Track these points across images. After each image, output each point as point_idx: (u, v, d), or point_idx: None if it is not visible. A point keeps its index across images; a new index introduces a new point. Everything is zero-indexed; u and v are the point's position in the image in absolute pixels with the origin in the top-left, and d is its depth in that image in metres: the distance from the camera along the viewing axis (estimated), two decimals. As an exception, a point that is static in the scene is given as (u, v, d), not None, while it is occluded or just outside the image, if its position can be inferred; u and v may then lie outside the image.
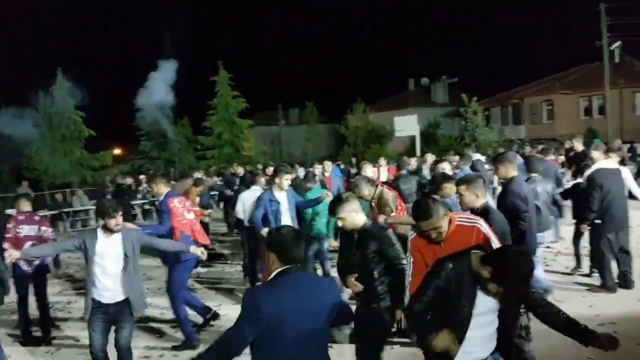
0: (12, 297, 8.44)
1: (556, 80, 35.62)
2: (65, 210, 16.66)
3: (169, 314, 7.06)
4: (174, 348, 5.75)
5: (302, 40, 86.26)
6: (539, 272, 6.13)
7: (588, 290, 6.65)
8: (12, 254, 4.47)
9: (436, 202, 3.34)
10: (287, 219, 6.72)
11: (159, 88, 18.15)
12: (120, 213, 4.49)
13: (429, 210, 3.22)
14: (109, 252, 4.49)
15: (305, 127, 41.75)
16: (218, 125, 30.13)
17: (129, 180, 12.37)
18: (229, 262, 9.93)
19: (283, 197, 6.84)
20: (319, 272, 7.25)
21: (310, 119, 40.92)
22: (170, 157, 29.87)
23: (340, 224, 3.94)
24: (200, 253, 5.09)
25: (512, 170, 5.14)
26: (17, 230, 6.04)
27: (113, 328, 4.66)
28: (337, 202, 3.98)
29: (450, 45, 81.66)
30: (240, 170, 14.19)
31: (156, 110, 30.05)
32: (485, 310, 2.85)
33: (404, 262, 3.67)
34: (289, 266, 2.77)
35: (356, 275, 3.81)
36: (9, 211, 16.44)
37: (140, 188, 17.15)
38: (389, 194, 5.93)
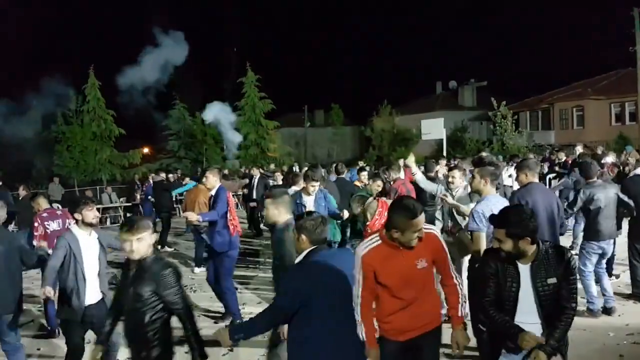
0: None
1: (587, 86, 34.97)
2: (96, 207, 16.98)
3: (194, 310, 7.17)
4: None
5: (329, 42, 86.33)
6: (597, 287, 6.09)
7: (618, 299, 6.54)
8: (48, 293, 4.34)
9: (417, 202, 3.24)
10: None
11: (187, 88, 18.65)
12: (93, 207, 4.48)
13: (418, 207, 3.05)
14: (91, 251, 4.46)
15: (330, 129, 41.81)
16: (245, 126, 30.33)
17: (163, 176, 12.62)
18: (253, 263, 10.02)
19: (310, 201, 6.85)
20: None
21: (335, 120, 40.95)
22: (198, 156, 30.20)
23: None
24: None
25: (530, 177, 5.11)
26: (46, 226, 6.14)
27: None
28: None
29: (479, 48, 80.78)
30: (256, 172, 13.95)
31: (185, 110, 30.64)
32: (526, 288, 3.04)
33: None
34: (317, 246, 3.14)
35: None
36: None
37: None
38: (373, 204, 4.93)
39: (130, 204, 17.62)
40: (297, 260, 3.21)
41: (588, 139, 31.99)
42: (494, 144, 29.57)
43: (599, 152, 12.55)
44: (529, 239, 2.98)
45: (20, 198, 10.29)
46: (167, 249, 11.56)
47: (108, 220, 17.64)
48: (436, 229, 3.44)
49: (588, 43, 69.63)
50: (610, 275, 6.93)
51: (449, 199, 5.68)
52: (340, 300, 3.05)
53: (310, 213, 3.37)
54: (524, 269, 3.05)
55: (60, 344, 6.08)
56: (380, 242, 3.11)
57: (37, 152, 28.51)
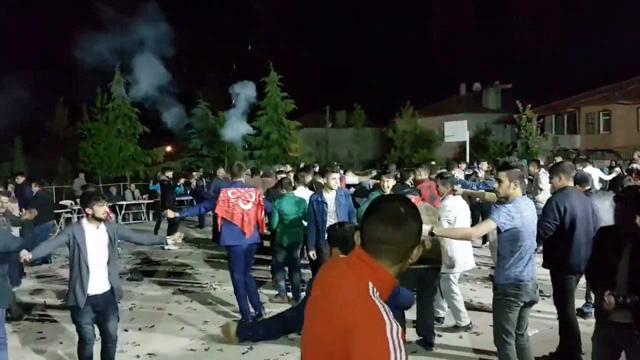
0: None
1: (615, 90, 34.29)
2: (119, 203, 17.18)
3: (215, 308, 7.17)
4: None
5: (351, 42, 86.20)
6: None
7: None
8: (24, 255, 4.59)
9: None
10: (332, 221, 6.37)
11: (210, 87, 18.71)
12: (104, 203, 4.60)
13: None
14: (98, 243, 4.57)
15: (352, 129, 41.66)
16: (266, 126, 30.42)
17: (169, 175, 12.50)
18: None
19: (331, 198, 6.68)
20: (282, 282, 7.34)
21: (357, 121, 40.79)
22: (220, 155, 30.38)
23: None
24: (178, 242, 5.34)
25: (565, 181, 5.01)
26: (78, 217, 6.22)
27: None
28: None
29: (504, 50, 79.85)
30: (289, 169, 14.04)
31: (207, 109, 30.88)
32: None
33: None
34: None
35: None
36: (64, 202, 17.04)
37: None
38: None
39: (152, 201, 17.77)
40: None
41: (614, 144, 31.38)
42: (518, 148, 29.12)
43: (636, 156, 12.24)
44: None
45: (33, 194, 10.44)
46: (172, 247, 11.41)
47: (130, 216, 17.81)
48: None
49: (616, 46, 68.32)
50: None
51: (460, 190, 5.89)
52: None
53: (342, 224, 3.24)
54: None
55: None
56: None
57: (63, 149, 29.03)
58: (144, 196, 18.73)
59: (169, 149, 31.78)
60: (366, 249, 1.67)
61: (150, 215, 17.68)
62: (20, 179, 11.59)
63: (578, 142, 34.34)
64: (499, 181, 4.31)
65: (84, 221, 4.62)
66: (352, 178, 11.23)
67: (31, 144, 32.18)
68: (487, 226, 4.23)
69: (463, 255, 5.88)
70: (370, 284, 1.58)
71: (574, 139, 34.71)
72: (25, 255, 4.60)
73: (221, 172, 12.79)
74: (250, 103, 20.72)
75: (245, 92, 19.98)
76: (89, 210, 4.56)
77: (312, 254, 6.69)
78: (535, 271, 4.20)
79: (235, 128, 21.27)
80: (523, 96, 30.84)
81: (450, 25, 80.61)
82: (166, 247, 5.34)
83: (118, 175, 25.29)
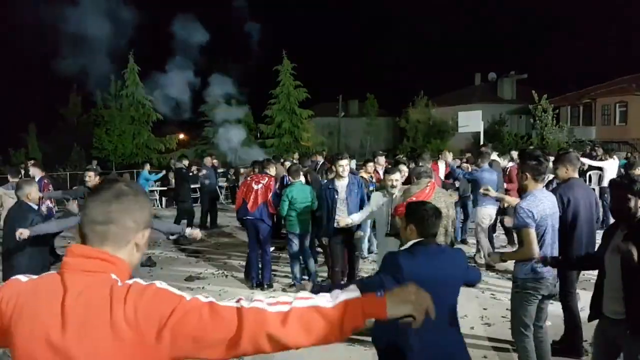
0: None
1: (632, 81, 33.75)
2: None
3: (227, 294, 7.21)
4: None
5: (365, 31, 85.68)
6: None
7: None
8: (22, 232, 4.56)
9: None
10: (342, 209, 6.46)
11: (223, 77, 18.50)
12: None
13: None
14: None
15: (364, 119, 41.49)
16: (279, 115, 30.40)
17: (185, 163, 12.50)
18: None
19: (342, 186, 6.57)
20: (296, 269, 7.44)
21: (370, 111, 40.62)
22: (231, 143, 30.47)
23: None
24: (196, 234, 5.42)
25: (571, 172, 4.94)
26: None
27: None
28: None
29: (520, 40, 78.93)
30: (319, 158, 13.84)
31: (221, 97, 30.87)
32: None
33: None
34: (425, 238, 3.05)
35: None
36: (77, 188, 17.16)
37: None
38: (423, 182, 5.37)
39: (165, 188, 17.87)
40: (403, 247, 3.13)
41: (630, 136, 30.98)
42: (533, 139, 28.84)
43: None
44: None
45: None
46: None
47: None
48: None
49: (633, 37, 67.23)
50: None
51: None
52: (440, 299, 2.74)
53: (424, 203, 3.29)
54: None
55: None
56: None
57: (77, 135, 29.20)
58: (156, 183, 18.82)
59: (181, 136, 31.87)
60: None
61: (164, 202, 17.77)
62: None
63: (593, 133, 33.94)
64: (519, 173, 4.28)
65: None
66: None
67: (45, 131, 32.46)
68: (528, 238, 4.01)
69: None
70: None
71: (589, 131, 34.30)
72: (19, 233, 4.57)
73: (208, 160, 13.26)
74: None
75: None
76: None
77: (324, 240, 6.73)
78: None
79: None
80: (538, 87, 30.51)
81: (466, 15, 79.79)
82: (186, 233, 5.38)
83: (131, 162, 25.45)
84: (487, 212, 8.09)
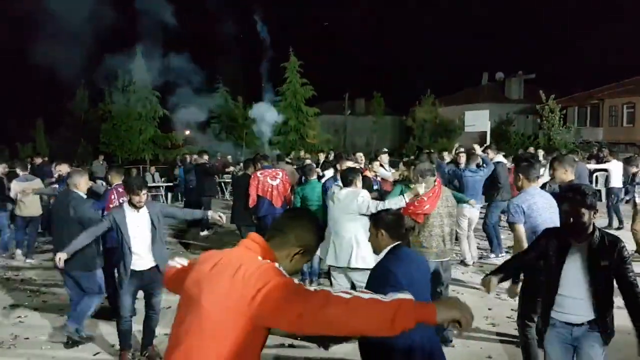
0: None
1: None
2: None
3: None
4: None
5: (372, 29, 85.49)
6: None
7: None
8: (60, 258, 4.74)
9: None
10: None
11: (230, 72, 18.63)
12: (145, 191, 4.83)
13: None
14: (139, 225, 4.83)
15: (371, 117, 41.41)
16: (285, 112, 30.37)
17: (206, 158, 12.56)
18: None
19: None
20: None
21: (376, 109, 40.55)
22: (238, 140, 30.45)
23: None
24: (218, 217, 5.39)
25: (570, 174, 4.94)
26: (120, 200, 5.88)
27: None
28: None
29: (528, 40, 78.57)
30: (322, 157, 13.74)
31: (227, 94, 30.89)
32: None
33: None
34: (399, 242, 3.12)
35: None
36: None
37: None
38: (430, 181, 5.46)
39: (171, 184, 17.93)
40: (382, 255, 3.16)
41: (637, 137, 30.80)
42: (539, 139, 28.71)
43: None
44: None
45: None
46: (206, 232, 11.60)
47: (149, 199, 17.97)
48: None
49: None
50: None
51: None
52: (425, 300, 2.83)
53: (387, 210, 3.48)
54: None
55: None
56: None
57: (84, 130, 29.30)
58: (162, 179, 18.90)
59: (187, 132, 31.91)
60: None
61: (169, 198, 17.84)
62: (37, 160, 11.79)
63: (600, 134, 33.77)
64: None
65: (126, 205, 4.88)
66: (384, 172, 9.26)
67: (53, 126, 32.59)
68: (516, 233, 4.36)
69: None
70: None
71: (596, 132, 34.13)
72: (57, 259, 4.78)
73: (205, 157, 13.38)
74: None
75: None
76: (127, 197, 4.89)
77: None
78: None
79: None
80: (546, 87, 30.34)
81: (474, 14, 79.46)
82: (208, 216, 5.52)
83: (137, 158, 25.52)
84: (462, 212, 7.94)
